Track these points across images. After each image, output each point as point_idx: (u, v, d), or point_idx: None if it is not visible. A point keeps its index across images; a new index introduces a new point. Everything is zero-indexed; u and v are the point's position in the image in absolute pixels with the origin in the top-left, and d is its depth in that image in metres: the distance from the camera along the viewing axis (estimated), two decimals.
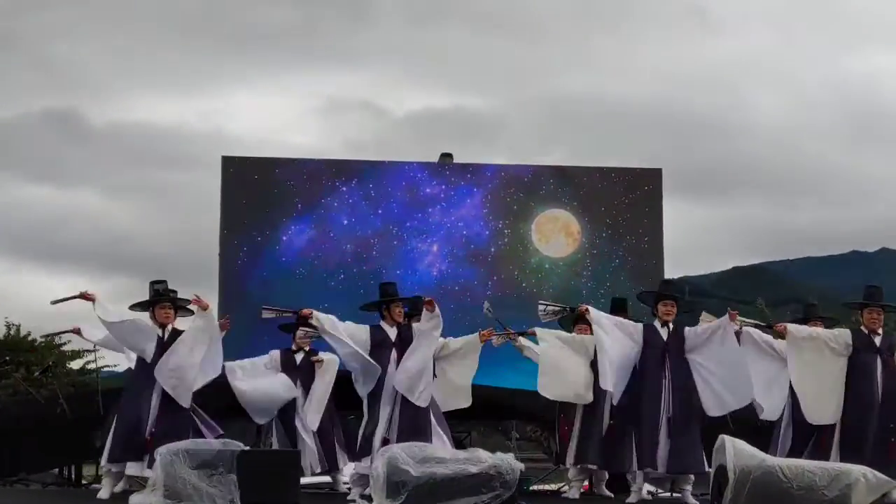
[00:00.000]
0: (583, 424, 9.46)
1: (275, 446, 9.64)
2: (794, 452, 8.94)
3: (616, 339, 9.13)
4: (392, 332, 9.30)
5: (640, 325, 9.30)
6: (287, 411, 9.85)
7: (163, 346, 8.96)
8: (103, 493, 8.80)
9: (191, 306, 9.16)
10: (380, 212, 14.11)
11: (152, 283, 9.23)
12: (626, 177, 14.56)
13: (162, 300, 9.12)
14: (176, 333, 9.07)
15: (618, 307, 10.14)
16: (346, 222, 14.02)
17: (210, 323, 9.13)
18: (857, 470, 6.51)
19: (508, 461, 7.26)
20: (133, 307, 9.25)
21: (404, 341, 9.26)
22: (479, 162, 15.13)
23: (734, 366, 8.97)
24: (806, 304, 10.80)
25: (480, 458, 7.29)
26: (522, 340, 9.85)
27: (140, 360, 9.05)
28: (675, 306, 9.29)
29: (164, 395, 8.88)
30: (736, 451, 6.10)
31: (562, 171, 14.74)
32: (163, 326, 9.07)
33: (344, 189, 14.06)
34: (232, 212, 13.85)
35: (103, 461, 9.05)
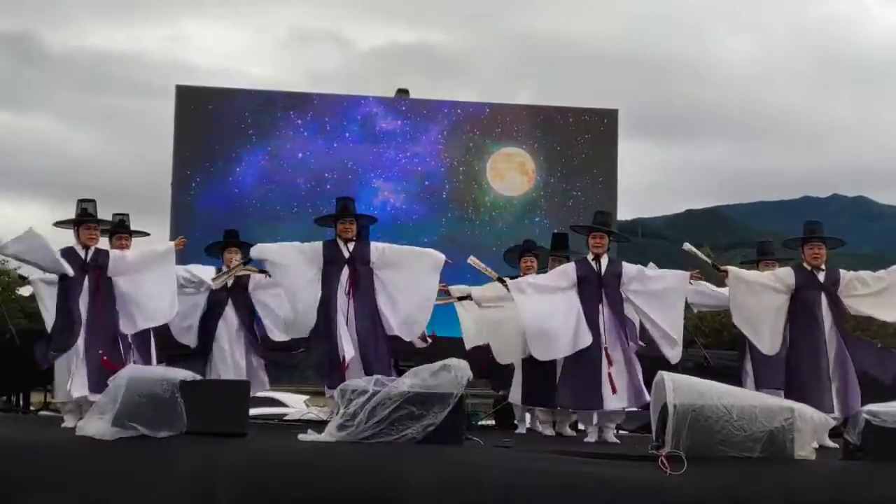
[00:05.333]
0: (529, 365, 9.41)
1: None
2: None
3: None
4: (345, 250, 9.09)
5: (570, 266, 9.22)
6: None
7: (84, 267, 8.78)
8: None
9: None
10: (335, 145, 14.02)
11: (80, 202, 8.99)
12: (583, 117, 14.56)
13: (87, 220, 8.91)
14: (98, 254, 8.87)
15: (558, 244, 10.17)
16: (300, 155, 13.93)
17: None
18: (798, 407, 6.58)
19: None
20: (58, 224, 9.06)
21: (356, 259, 9.06)
22: (435, 98, 15.08)
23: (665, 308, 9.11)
24: (760, 242, 10.79)
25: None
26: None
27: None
28: (604, 238, 9.20)
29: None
30: (676, 387, 6.17)
31: (518, 110, 14.73)
32: (86, 248, 8.87)
33: (299, 122, 13.96)
34: (185, 141, 13.71)
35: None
